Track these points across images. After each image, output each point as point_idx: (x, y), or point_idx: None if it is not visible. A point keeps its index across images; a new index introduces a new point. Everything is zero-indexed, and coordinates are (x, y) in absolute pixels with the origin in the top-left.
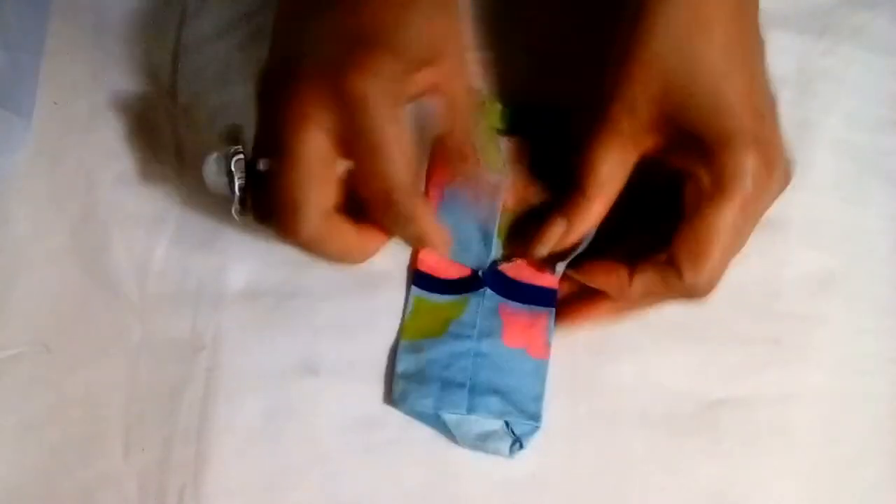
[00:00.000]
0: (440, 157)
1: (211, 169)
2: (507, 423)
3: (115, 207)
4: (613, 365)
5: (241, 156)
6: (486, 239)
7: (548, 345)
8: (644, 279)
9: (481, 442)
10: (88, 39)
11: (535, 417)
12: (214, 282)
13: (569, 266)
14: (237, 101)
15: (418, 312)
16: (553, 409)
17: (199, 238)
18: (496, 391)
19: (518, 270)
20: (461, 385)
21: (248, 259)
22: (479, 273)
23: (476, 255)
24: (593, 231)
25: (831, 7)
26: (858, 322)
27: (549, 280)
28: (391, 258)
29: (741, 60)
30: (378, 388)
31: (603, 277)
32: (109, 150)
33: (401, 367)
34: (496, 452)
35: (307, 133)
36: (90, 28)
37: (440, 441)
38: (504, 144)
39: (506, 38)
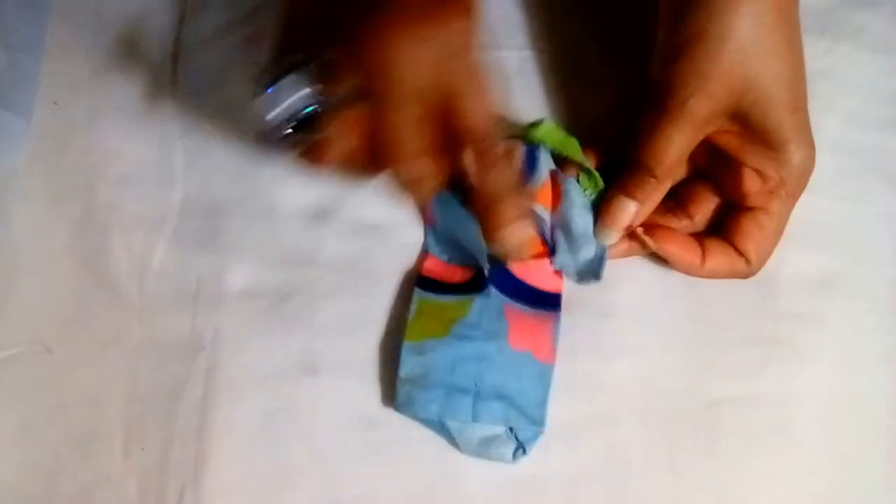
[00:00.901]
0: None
1: (272, 99)
2: (510, 429)
3: (115, 207)
4: (613, 365)
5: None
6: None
7: (554, 349)
8: (714, 263)
9: (484, 447)
10: (88, 39)
11: (539, 423)
12: (214, 282)
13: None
14: (237, 101)
15: (422, 313)
16: (553, 409)
17: (198, 238)
18: (501, 395)
19: (525, 271)
20: (466, 391)
21: (247, 259)
22: (485, 270)
23: (477, 254)
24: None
25: (831, 7)
26: (858, 322)
27: (555, 284)
28: (391, 258)
29: (802, 55)
30: (378, 388)
31: (677, 251)
32: (109, 150)
33: (404, 370)
34: (499, 458)
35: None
36: (90, 28)
37: (440, 441)
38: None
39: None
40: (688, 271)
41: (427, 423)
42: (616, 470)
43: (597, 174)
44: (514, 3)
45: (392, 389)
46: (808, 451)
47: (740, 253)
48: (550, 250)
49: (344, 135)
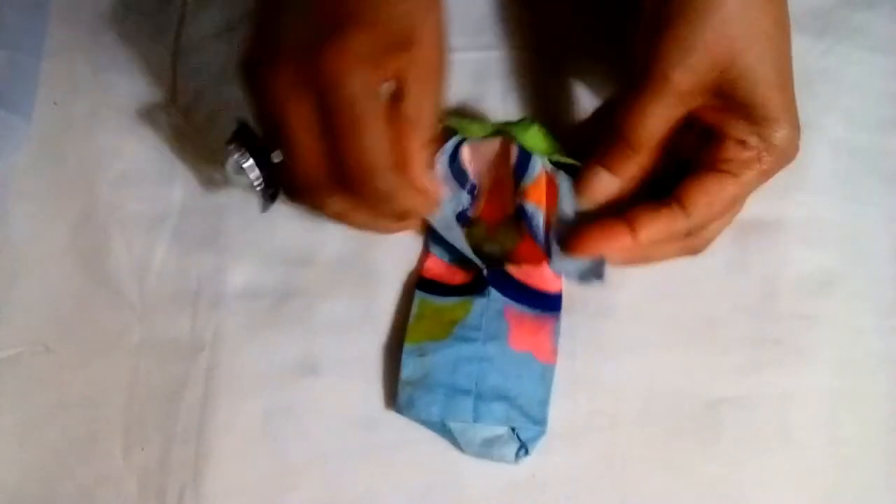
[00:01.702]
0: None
1: (232, 169)
2: (512, 429)
3: (115, 207)
4: (613, 365)
5: (251, 161)
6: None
7: (555, 350)
8: (648, 231)
9: (486, 448)
10: (88, 39)
11: (541, 422)
12: (214, 282)
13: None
14: (237, 101)
15: (423, 314)
16: (553, 409)
17: (198, 238)
18: (502, 396)
19: (525, 274)
20: (467, 392)
21: (247, 259)
22: (483, 272)
23: (464, 248)
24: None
25: (831, 7)
26: (858, 322)
27: (555, 285)
28: (391, 258)
29: (788, 33)
30: (378, 388)
31: (605, 242)
32: (109, 150)
33: (405, 372)
34: (501, 459)
35: (294, 115)
36: (90, 28)
37: (440, 441)
38: (491, 145)
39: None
40: (627, 258)
41: (429, 424)
42: (616, 470)
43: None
44: (501, 3)
45: (392, 390)
46: (808, 451)
47: (682, 207)
48: (546, 251)
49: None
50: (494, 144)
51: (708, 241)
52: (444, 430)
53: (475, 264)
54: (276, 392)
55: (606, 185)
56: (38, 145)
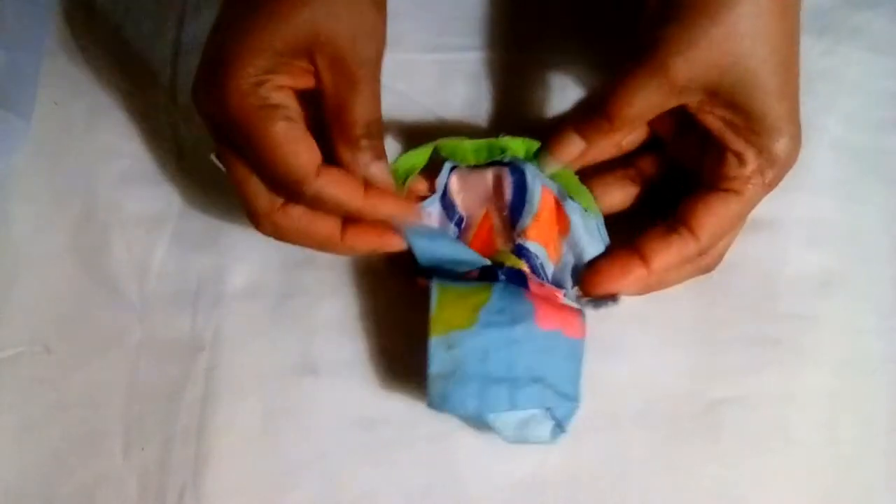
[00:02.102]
0: None
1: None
2: (546, 408)
3: (115, 207)
4: (613, 365)
5: None
6: (469, 255)
7: (583, 323)
8: (661, 260)
9: (522, 430)
10: (88, 39)
11: (574, 398)
12: (214, 282)
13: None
14: None
15: (444, 301)
16: None
17: (198, 238)
18: (535, 378)
19: (538, 287)
20: (500, 381)
21: (247, 259)
22: (496, 270)
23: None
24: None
25: (831, 7)
26: (858, 322)
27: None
28: (391, 258)
29: (797, 46)
30: (378, 388)
31: (621, 278)
32: (109, 150)
33: (434, 367)
34: (538, 440)
35: (220, 144)
36: (90, 28)
37: (440, 441)
38: (488, 175)
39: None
40: (643, 288)
41: (461, 414)
42: (616, 470)
43: (589, 194)
44: (500, 3)
45: (393, 389)
46: (808, 451)
47: (691, 232)
48: (557, 285)
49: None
50: (487, 177)
51: (719, 258)
52: (477, 422)
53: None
54: (276, 392)
55: (577, 149)
56: (38, 145)
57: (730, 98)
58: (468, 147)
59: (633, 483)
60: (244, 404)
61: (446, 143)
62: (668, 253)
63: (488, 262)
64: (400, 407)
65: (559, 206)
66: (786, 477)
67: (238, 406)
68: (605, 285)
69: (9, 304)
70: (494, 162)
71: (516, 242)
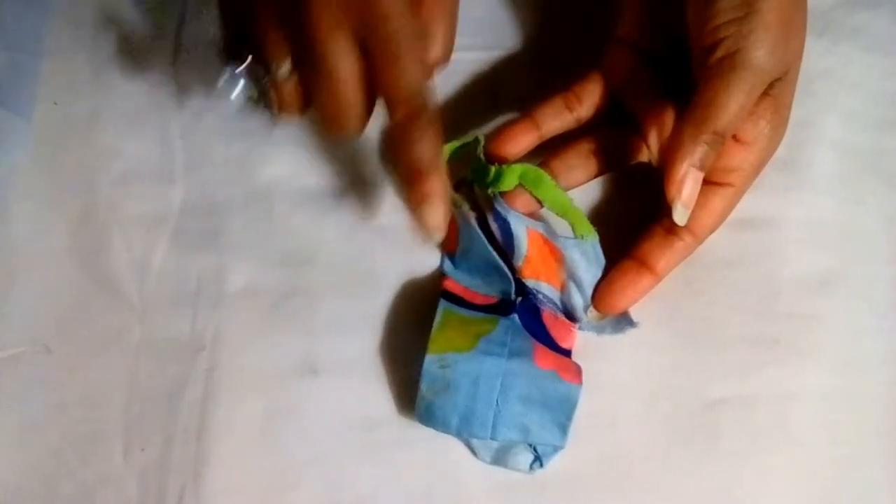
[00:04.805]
0: None
1: (229, 85)
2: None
3: (115, 207)
4: (613, 365)
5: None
6: (499, 270)
7: (579, 371)
8: (667, 263)
9: (502, 455)
10: (88, 39)
11: (560, 439)
12: (214, 282)
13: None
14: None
15: (447, 324)
16: None
17: (198, 238)
18: (522, 413)
19: (552, 320)
20: (487, 407)
21: (247, 259)
22: (514, 299)
23: (499, 283)
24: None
25: (831, 7)
26: (858, 322)
27: (569, 342)
28: (391, 258)
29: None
30: (378, 389)
31: (633, 293)
32: (109, 150)
33: (425, 383)
34: (515, 468)
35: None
36: (90, 28)
37: (440, 441)
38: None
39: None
40: (651, 290)
41: (445, 432)
42: (616, 470)
43: (581, 215)
44: (499, 3)
45: (393, 389)
46: (808, 451)
47: (691, 233)
48: (570, 318)
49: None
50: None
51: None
52: (459, 436)
53: (495, 291)
54: (276, 392)
55: (698, 180)
56: (38, 145)
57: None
58: (447, 148)
59: (633, 483)
60: (244, 404)
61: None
62: (672, 257)
63: (511, 280)
64: (400, 407)
65: (548, 242)
66: (786, 477)
67: (238, 406)
68: (620, 302)
69: (9, 304)
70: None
71: (526, 288)
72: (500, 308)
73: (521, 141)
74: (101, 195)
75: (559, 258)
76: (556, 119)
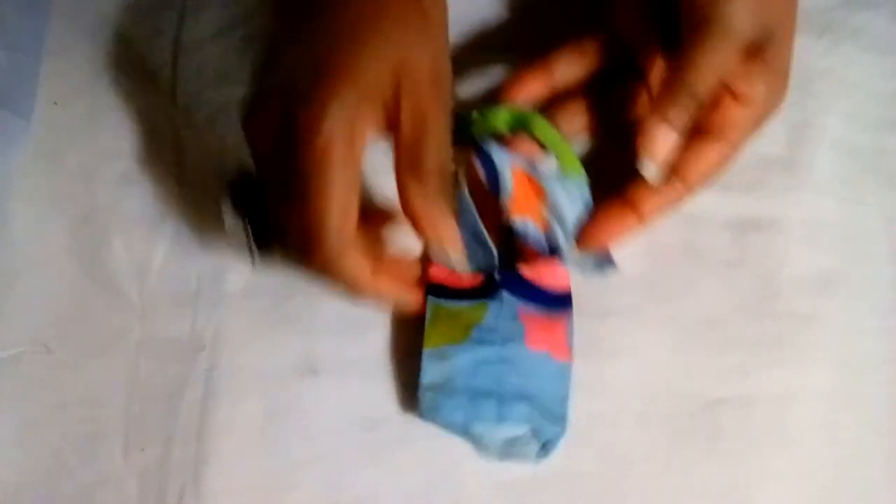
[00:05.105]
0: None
1: (229, 219)
2: (532, 430)
3: (115, 207)
4: (613, 365)
5: (246, 221)
6: (484, 244)
7: (570, 347)
8: (654, 208)
9: (508, 448)
10: (88, 39)
11: (560, 421)
12: (214, 282)
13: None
14: (237, 101)
15: (437, 318)
16: None
17: (198, 238)
18: (523, 397)
19: (536, 272)
20: (489, 394)
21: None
22: (495, 275)
23: (482, 259)
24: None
25: (831, 7)
26: (858, 322)
27: (564, 283)
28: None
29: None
30: (378, 388)
31: (616, 231)
32: (109, 150)
33: (426, 377)
34: (523, 458)
35: (271, 166)
36: (90, 28)
37: (441, 440)
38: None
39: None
40: (634, 234)
41: (450, 427)
42: (616, 470)
43: (572, 155)
44: (499, 3)
45: (393, 389)
46: (808, 451)
47: (682, 180)
48: (554, 254)
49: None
50: (464, 157)
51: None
52: (465, 432)
53: (481, 269)
54: (276, 392)
55: (670, 141)
56: (38, 145)
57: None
58: (503, 115)
59: (633, 483)
60: (244, 404)
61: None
62: (659, 201)
63: (494, 254)
64: (400, 407)
65: (532, 180)
66: (786, 477)
67: (238, 406)
68: (601, 238)
69: (9, 304)
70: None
71: (504, 220)
72: (487, 290)
73: (533, 87)
74: (101, 195)
75: (541, 195)
76: (569, 67)
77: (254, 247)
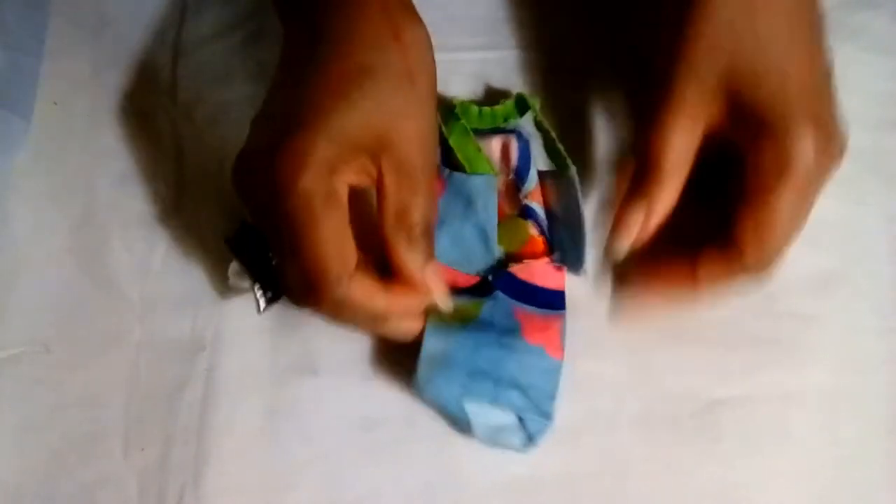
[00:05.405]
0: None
1: (235, 275)
2: (520, 420)
3: (115, 207)
4: (613, 365)
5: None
6: (487, 243)
7: (562, 347)
8: (708, 268)
9: (495, 434)
10: (88, 39)
11: (548, 416)
12: (214, 282)
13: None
14: (237, 101)
15: (435, 315)
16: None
17: (198, 238)
18: (517, 386)
19: (528, 272)
20: (486, 375)
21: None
22: (489, 278)
23: (480, 260)
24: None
25: (831, 7)
26: (858, 322)
27: (558, 282)
28: None
29: (802, 35)
30: (378, 388)
31: (667, 278)
32: (109, 150)
33: (426, 350)
34: (509, 446)
35: (264, 221)
36: (90, 28)
37: (440, 440)
38: (492, 143)
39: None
40: (689, 293)
41: (440, 406)
42: (616, 470)
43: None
44: (499, 3)
45: (393, 389)
46: (808, 451)
47: (734, 243)
48: (550, 247)
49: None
50: (492, 144)
51: (772, 266)
52: (457, 409)
53: (475, 269)
54: (276, 392)
55: (640, 216)
56: (38, 145)
57: (737, 100)
58: (474, 111)
59: (633, 483)
60: (244, 404)
61: (461, 101)
62: (720, 271)
63: (493, 252)
64: (400, 407)
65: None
66: (786, 477)
67: (238, 406)
68: (651, 285)
69: (9, 304)
70: (498, 129)
71: (523, 203)
72: (482, 289)
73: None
74: (101, 195)
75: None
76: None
77: (259, 296)
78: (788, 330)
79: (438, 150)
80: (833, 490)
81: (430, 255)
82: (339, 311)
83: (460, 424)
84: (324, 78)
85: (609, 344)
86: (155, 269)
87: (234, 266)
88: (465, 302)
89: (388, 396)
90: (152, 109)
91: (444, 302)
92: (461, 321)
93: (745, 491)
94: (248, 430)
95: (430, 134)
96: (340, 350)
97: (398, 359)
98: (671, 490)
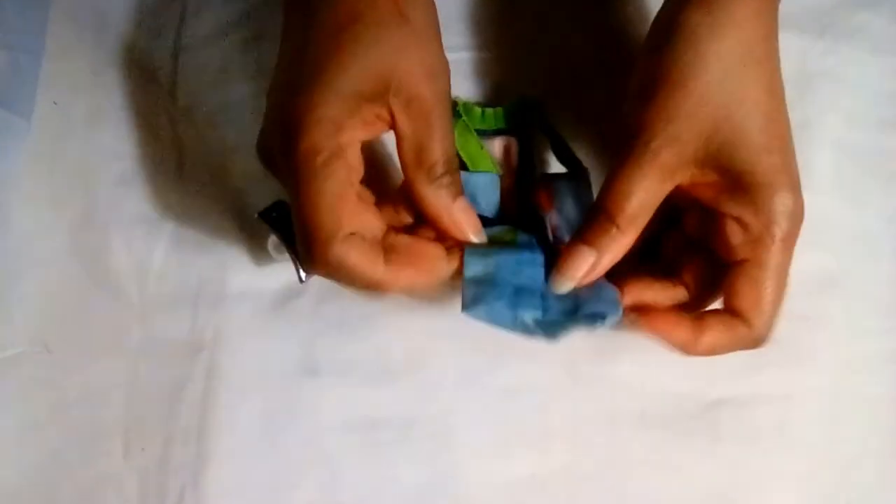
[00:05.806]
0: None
1: (272, 247)
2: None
3: (115, 207)
4: (613, 365)
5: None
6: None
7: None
8: (711, 336)
9: (561, 324)
10: (88, 39)
11: (613, 307)
12: (214, 282)
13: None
14: (237, 101)
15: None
16: (553, 409)
17: (199, 238)
18: (564, 297)
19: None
20: (532, 291)
21: (247, 259)
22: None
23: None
24: None
25: (831, 7)
26: (858, 322)
27: None
28: None
29: (780, 98)
30: (378, 388)
31: (670, 331)
32: (109, 150)
33: (470, 271)
34: (578, 330)
35: (287, 185)
36: (90, 28)
37: (440, 440)
38: (495, 144)
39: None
40: (683, 350)
41: (495, 315)
42: (616, 470)
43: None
44: (500, 3)
45: (393, 389)
46: (808, 451)
47: (739, 315)
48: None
49: None
50: (494, 144)
51: (773, 328)
52: (513, 320)
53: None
54: (277, 392)
55: (588, 262)
56: (38, 145)
57: (717, 163)
58: (477, 113)
59: (633, 483)
60: (244, 404)
61: (464, 101)
62: (719, 334)
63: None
64: (400, 407)
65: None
66: (786, 477)
67: (238, 406)
68: (650, 326)
69: (9, 304)
70: (500, 131)
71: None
72: (513, 221)
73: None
74: (101, 195)
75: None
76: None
77: (298, 264)
78: (788, 330)
79: (450, 85)
80: (833, 490)
81: (456, 192)
82: (334, 274)
83: (522, 331)
84: (320, 34)
85: (609, 344)
86: (155, 269)
87: (273, 239)
88: (500, 231)
89: (388, 397)
90: (152, 109)
91: (478, 236)
92: (501, 244)
93: (745, 491)
94: (248, 430)
95: (436, 67)
96: (340, 350)
97: (398, 359)
98: (671, 490)
